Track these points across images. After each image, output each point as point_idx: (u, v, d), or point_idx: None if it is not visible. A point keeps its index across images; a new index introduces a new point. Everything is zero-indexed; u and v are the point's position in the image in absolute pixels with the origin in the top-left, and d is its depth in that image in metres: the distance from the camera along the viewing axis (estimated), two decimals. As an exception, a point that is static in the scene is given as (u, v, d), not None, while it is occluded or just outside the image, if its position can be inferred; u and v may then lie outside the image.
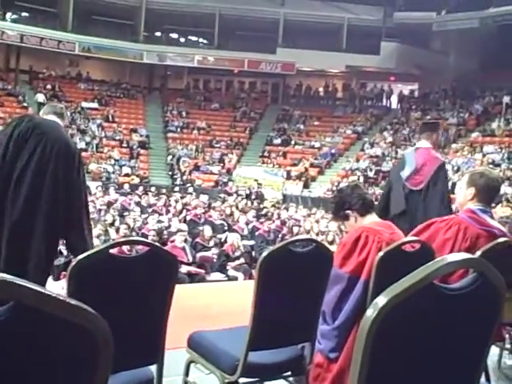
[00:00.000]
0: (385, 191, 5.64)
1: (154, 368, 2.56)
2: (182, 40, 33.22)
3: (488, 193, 3.36)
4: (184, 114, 31.11)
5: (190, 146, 28.49)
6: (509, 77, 27.05)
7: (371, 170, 25.36)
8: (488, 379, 3.58)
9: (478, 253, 3.09)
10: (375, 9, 30.80)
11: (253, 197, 22.37)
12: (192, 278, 9.72)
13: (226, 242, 11.39)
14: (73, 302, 0.92)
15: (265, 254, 2.72)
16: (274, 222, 14.54)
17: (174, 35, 33.27)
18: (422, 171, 5.20)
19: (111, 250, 2.30)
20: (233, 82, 34.58)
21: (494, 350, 4.18)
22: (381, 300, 1.08)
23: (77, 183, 4.10)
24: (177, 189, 22.81)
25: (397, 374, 1.16)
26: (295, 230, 12.80)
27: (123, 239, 3.60)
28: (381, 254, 2.90)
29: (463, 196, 3.46)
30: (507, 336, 4.08)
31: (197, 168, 26.91)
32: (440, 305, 1.14)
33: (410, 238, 3.25)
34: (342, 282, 2.96)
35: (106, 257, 2.22)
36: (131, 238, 3.69)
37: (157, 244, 2.55)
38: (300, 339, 3.03)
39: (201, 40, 33.53)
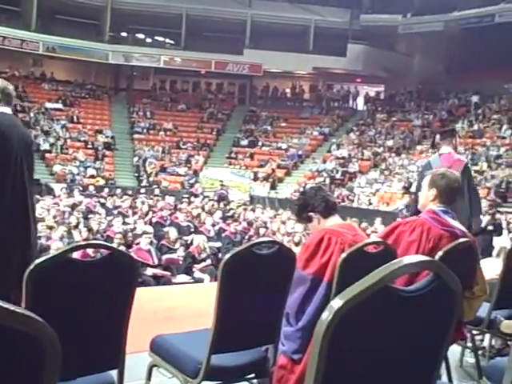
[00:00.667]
0: (416, 193, 5.87)
1: (115, 373, 2.53)
2: (149, 40, 32.96)
3: (449, 194, 3.41)
4: (150, 114, 30.93)
5: (156, 148, 28.32)
6: (472, 79, 27.57)
7: (338, 171, 25.57)
8: (450, 378, 3.62)
9: (440, 253, 3.13)
10: (342, 11, 31.08)
11: (217, 198, 22.30)
12: (157, 280, 9.63)
13: (192, 243, 11.33)
14: (18, 309, 0.89)
15: (227, 256, 2.70)
16: (240, 223, 14.52)
17: (140, 35, 32.99)
18: None
19: (73, 254, 2.26)
20: (200, 83, 34.48)
21: (456, 349, 4.23)
22: (336, 303, 1.08)
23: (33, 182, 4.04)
24: (143, 190, 22.63)
25: (353, 376, 1.16)
26: (262, 231, 12.80)
27: (83, 243, 3.54)
28: (343, 255, 2.92)
29: (425, 197, 3.50)
30: (468, 335, 4.14)
31: (163, 169, 26.77)
32: (395, 307, 1.14)
33: (372, 239, 3.27)
34: (306, 283, 2.97)
35: (64, 261, 2.18)
36: (90, 242, 3.65)
37: (117, 247, 2.51)
38: (263, 341, 3.02)
39: (167, 40, 33.29)
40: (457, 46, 28.13)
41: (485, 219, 11.81)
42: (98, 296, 2.26)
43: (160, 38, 33.30)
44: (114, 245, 9.72)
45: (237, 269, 2.68)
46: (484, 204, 14.05)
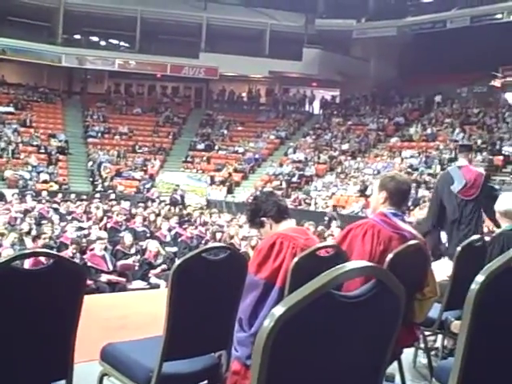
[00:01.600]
0: (436, 203, 6.85)
1: (63, 383, 2.47)
2: (103, 43, 32.49)
3: (398, 196, 3.44)
4: (105, 118, 30.55)
5: (111, 152, 27.95)
6: (425, 83, 28.16)
7: (294, 174, 25.70)
8: (403, 379, 3.66)
9: (391, 255, 3.16)
10: (297, 15, 31.30)
11: (177, 202, 22.15)
12: (112, 286, 9.50)
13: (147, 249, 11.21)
14: None
15: (178, 262, 2.68)
16: (196, 227, 14.44)
17: (94, 38, 32.53)
18: (474, 184, 6.56)
19: (24, 262, 2.19)
20: (155, 87, 34.24)
21: (410, 350, 4.28)
22: (278, 310, 1.06)
23: None
24: (98, 195, 22.27)
25: (297, 383, 1.15)
26: (218, 235, 12.75)
27: (27, 251, 3.44)
28: (295, 259, 2.92)
29: (375, 200, 3.53)
30: (421, 336, 4.19)
31: (119, 174, 26.44)
32: (338, 313, 1.14)
33: (323, 243, 3.29)
34: (258, 288, 2.96)
35: (6, 271, 2.11)
36: (34, 251, 3.54)
37: (63, 255, 2.45)
38: (216, 347, 3.00)
39: (122, 43, 32.93)
40: (410, 50, 28.70)
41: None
42: (43, 305, 2.19)
43: (114, 41, 32.93)
44: (68, 251, 9.59)
45: (187, 275, 2.65)
46: (427, 204, 14.51)
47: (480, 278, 1.44)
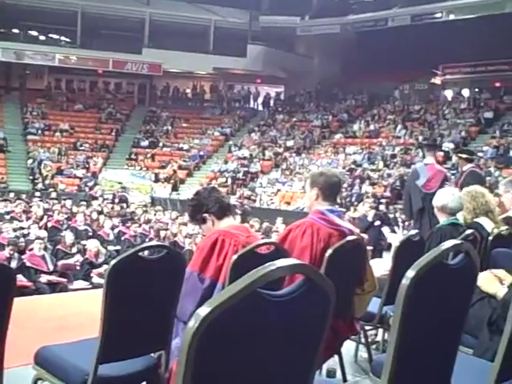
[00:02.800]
0: (407, 196, 7.86)
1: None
2: (42, 38, 31.64)
3: (330, 190, 3.46)
4: (45, 115, 29.83)
5: (52, 149, 27.31)
6: (368, 81, 28.65)
7: (239, 171, 25.71)
8: (344, 373, 3.69)
9: (330, 251, 3.18)
10: (241, 12, 31.27)
11: (117, 200, 21.79)
12: (53, 287, 9.29)
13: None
14: None
15: (113, 262, 2.60)
16: (140, 225, 14.26)
17: (34, 32, 31.61)
18: (432, 180, 7.38)
19: None
20: (97, 83, 33.64)
21: (350, 345, 4.32)
22: (203, 310, 1.03)
23: None
24: (38, 194, 21.70)
25: (225, 385, 1.12)
26: (162, 233, 12.62)
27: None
28: (235, 256, 2.91)
29: (308, 198, 3.54)
30: (361, 330, 4.24)
31: (60, 172, 25.85)
32: (265, 311, 1.11)
33: (263, 240, 3.28)
34: (202, 286, 2.95)
35: None
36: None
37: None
38: (155, 348, 2.94)
39: (63, 38, 32.13)
40: (353, 48, 29.12)
41: (370, 214, 12.35)
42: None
43: (55, 36, 32.10)
44: (5, 252, 9.30)
45: (123, 274, 2.59)
46: (370, 200, 14.87)
47: (410, 273, 1.45)
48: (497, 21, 22.93)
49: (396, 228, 13.74)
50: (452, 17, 25.73)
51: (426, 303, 1.50)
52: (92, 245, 10.77)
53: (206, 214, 3.32)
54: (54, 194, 21.90)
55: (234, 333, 1.08)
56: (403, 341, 1.49)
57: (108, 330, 2.59)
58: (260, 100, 33.71)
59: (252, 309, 1.08)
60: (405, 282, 1.44)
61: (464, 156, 7.72)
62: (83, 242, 11.71)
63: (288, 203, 21.56)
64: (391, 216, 15.56)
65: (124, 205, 20.51)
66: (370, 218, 12.38)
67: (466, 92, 27.32)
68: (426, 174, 7.47)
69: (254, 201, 22.46)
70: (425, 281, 1.46)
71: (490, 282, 3.11)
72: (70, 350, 2.94)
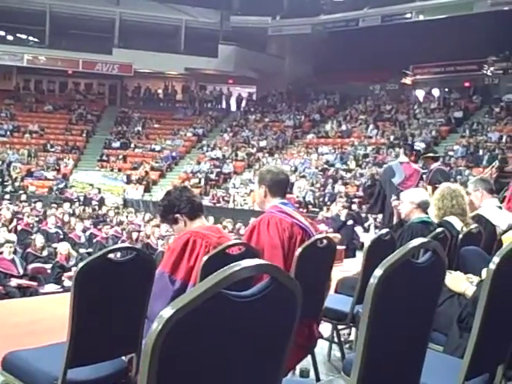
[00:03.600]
0: (376, 192, 8.06)
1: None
2: (10, 38, 31.17)
3: (277, 186, 3.47)
4: (14, 116, 29.44)
5: (21, 151, 26.92)
6: (339, 81, 28.81)
7: (212, 172, 25.65)
8: (317, 372, 3.69)
9: (300, 249, 3.19)
10: (212, 12, 31.20)
11: (93, 202, 21.58)
12: (23, 291, 9.13)
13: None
14: None
15: (81, 264, 2.56)
16: (112, 227, 14.13)
17: (1, 32, 31.08)
18: (411, 179, 7.67)
19: None
20: (67, 83, 33.24)
21: (324, 344, 4.33)
22: (166, 312, 1.01)
23: None
24: (7, 196, 21.35)
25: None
26: (134, 235, 12.52)
27: None
28: (205, 257, 2.88)
29: (258, 196, 3.55)
30: (334, 330, 4.26)
31: (30, 174, 25.53)
32: (230, 312, 1.10)
33: (233, 241, 3.26)
34: (173, 288, 2.93)
35: None
36: None
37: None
38: (125, 351, 2.90)
39: (31, 38, 31.68)
40: (324, 48, 29.21)
41: (343, 214, 12.49)
42: None
43: (23, 36, 31.62)
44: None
45: (92, 277, 2.55)
46: (343, 200, 15.00)
47: (378, 272, 1.45)
48: (466, 21, 23.25)
49: (367, 226, 13.87)
50: (421, 17, 26.05)
51: (394, 301, 1.50)
52: (63, 248, 10.64)
53: (177, 215, 3.29)
54: (24, 197, 21.59)
55: (198, 334, 1.06)
56: (372, 339, 1.48)
57: (76, 334, 2.55)
58: (233, 100, 33.65)
59: (216, 310, 1.07)
60: (373, 280, 1.44)
61: (430, 155, 8.53)
62: (54, 245, 11.57)
63: (261, 203, 21.52)
64: (363, 215, 15.69)
65: (96, 207, 20.30)
66: (342, 218, 12.49)
67: (436, 92, 27.63)
68: (403, 173, 7.75)
69: (228, 201, 22.43)
70: (393, 279, 1.46)
71: (458, 281, 3.14)
72: (39, 354, 2.89)
